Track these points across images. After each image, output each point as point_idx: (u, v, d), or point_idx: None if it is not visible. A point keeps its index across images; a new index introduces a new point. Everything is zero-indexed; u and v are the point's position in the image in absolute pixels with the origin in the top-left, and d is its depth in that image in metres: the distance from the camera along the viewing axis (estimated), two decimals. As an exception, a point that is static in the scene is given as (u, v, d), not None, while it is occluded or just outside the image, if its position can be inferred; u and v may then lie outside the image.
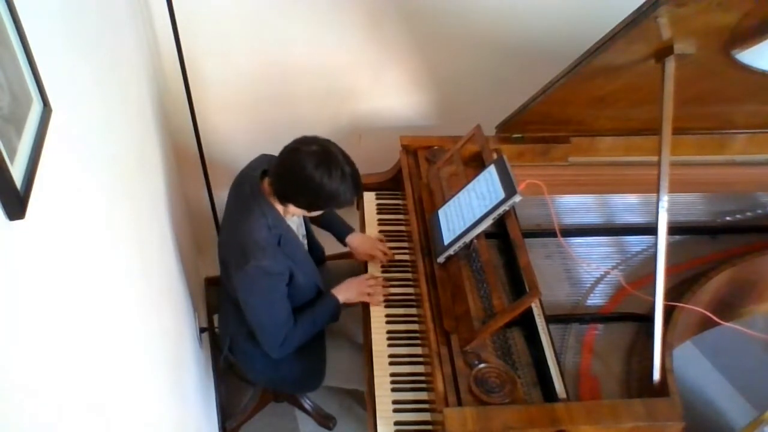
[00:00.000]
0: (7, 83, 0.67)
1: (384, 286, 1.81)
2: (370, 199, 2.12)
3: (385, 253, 1.91)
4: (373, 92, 2.29)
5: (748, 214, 1.91)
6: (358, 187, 1.62)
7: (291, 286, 1.69)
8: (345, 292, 1.81)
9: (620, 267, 1.74)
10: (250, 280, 1.60)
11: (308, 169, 1.52)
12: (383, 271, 1.89)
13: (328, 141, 1.60)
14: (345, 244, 2.01)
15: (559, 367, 1.42)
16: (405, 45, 2.16)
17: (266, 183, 1.65)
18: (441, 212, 1.74)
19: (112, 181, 1.14)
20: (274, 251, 1.61)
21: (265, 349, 1.73)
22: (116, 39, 1.46)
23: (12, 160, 0.63)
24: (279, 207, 1.66)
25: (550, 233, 1.73)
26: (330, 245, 2.10)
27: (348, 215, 2.20)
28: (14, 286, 0.62)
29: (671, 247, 1.46)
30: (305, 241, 1.88)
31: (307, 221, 1.91)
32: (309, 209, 1.64)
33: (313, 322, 1.77)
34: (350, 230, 2.01)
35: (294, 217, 1.75)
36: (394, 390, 1.58)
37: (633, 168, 1.98)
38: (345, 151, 1.61)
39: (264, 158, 1.76)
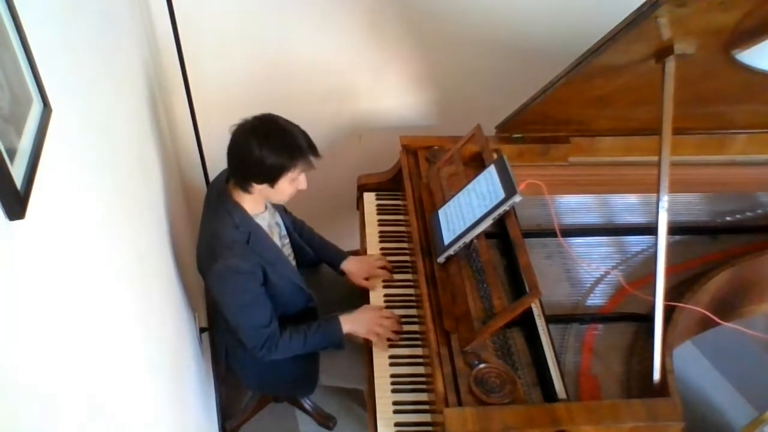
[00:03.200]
0: (7, 83, 0.67)
1: (397, 329, 1.69)
2: (370, 199, 2.12)
3: (385, 267, 1.84)
4: (373, 92, 2.29)
5: (748, 214, 1.91)
6: (309, 146, 1.54)
7: (268, 287, 1.64)
8: (354, 323, 1.70)
9: (620, 267, 1.74)
10: (219, 280, 1.57)
11: (244, 139, 1.51)
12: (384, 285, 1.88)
13: (272, 114, 1.56)
14: (341, 273, 1.93)
15: (559, 367, 1.42)
16: (405, 45, 2.17)
17: (230, 183, 1.63)
18: (441, 212, 1.74)
19: (112, 181, 1.14)
20: (243, 249, 1.57)
21: (250, 351, 1.67)
22: (116, 39, 1.46)
23: (12, 160, 0.63)
24: (247, 205, 1.62)
25: (550, 233, 1.73)
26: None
27: (348, 215, 2.20)
28: (14, 286, 0.62)
29: (671, 247, 1.47)
30: (285, 241, 1.82)
31: (289, 226, 1.85)
32: (273, 182, 1.54)
33: (305, 337, 1.68)
34: (344, 256, 1.94)
35: (265, 214, 1.70)
36: (394, 391, 1.58)
37: (633, 168, 1.98)
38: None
39: None
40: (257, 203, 1.66)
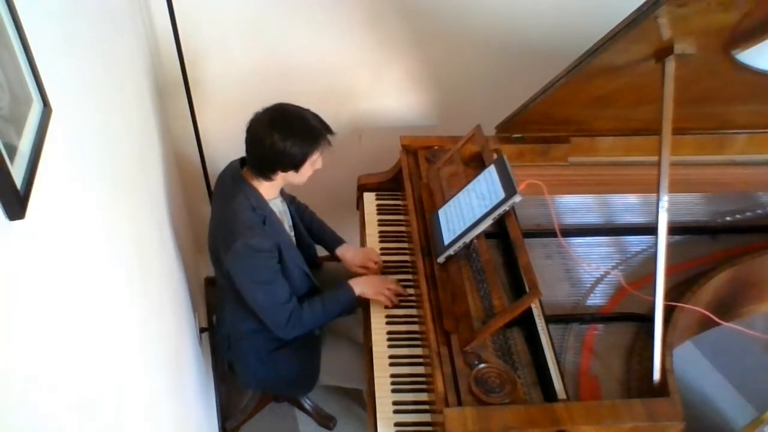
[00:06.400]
0: (7, 83, 0.67)
1: (401, 292, 1.78)
2: (370, 199, 2.12)
3: (376, 262, 1.89)
4: (373, 92, 2.29)
5: (748, 214, 1.91)
6: (324, 128, 1.63)
7: (281, 269, 1.68)
8: (363, 286, 1.78)
9: (620, 267, 1.74)
10: (239, 260, 1.61)
11: (266, 133, 1.57)
12: (383, 273, 1.89)
13: (283, 104, 1.64)
14: (335, 257, 2.00)
15: (559, 367, 1.42)
16: (405, 45, 2.16)
17: (246, 170, 1.69)
18: (441, 212, 1.74)
19: (112, 181, 1.14)
20: (261, 229, 1.63)
21: (274, 332, 1.73)
22: (116, 39, 1.46)
23: (12, 160, 0.63)
24: (263, 190, 1.68)
25: (550, 233, 1.73)
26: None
27: (348, 215, 2.20)
28: (14, 285, 0.62)
29: (671, 247, 1.46)
30: (292, 233, 1.86)
31: (295, 216, 1.90)
32: (297, 168, 1.63)
33: (323, 306, 1.75)
34: (341, 242, 2.01)
35: (277, 201, 1.76)
36: (394, 391, 1.58)
37: (633, 168, 1.98)
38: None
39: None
40: (273, 189, 1.71)
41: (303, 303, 1.74)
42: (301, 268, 1.77)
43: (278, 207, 1.76)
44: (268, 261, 1.64)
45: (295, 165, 1.62)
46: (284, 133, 1.57)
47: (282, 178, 1.66)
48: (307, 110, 1.64)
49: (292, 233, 1.87)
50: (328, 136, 1.64)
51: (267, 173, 1.64)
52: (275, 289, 1.68)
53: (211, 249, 1.77)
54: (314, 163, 1.65)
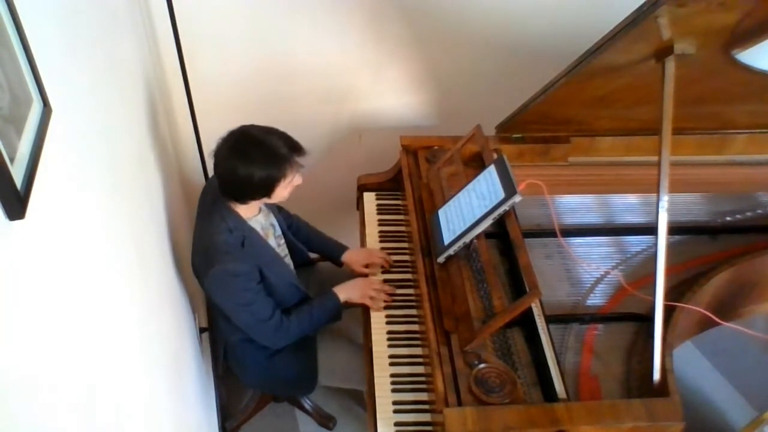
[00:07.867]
0: (7, 83, 0.67)
1: (389, 293, 1.78)
2: (370, 199, 2.12)
3: (383, 258, 1.88)
4: (373, 92, 2.29)
5: (748, 214, 1.91)
6: (292, 149, 1.54)
7: (264, 285, 1.66)
8: (348, 291, 1.78)
9: (620, 267, 1.74)
10: (217, 285, 1.60)
11: (228, 163, 1.52)
12: (383, 272, 1.89)
13: (248, 125, 1.57)
14: (341, 265, 1.98)
15: (559, 367, 1.42)
16: (405, 45, 2.16)
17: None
18: (441, 212, 1.74)
19: (112, 181, 1.14)
20: (238, 253, 1.59)
21: (261, 344, 1.73)
22: (116, 39, 1.46)
23: (12, 160, 0.64)
24: (242, 210, 1.64)
25: (550, 233, 1.73)
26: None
27: (348, 215, 2.20)
28: (14, 285, 0.62)
29: (671, 247, 1.46)
30: (281, 242, 1.85)
31: (282, 225, 1.87)
32: (269, 194, 1.57)
33: (310, 316, 1.75)
34: (344, 249, 1.98)
35: (259, 216, 1.73)
36: (394, 391, 1.58)
37: (633, 168, 1.98)
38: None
39: None
40: (252, 208, 1.68)
41: (290, 314, 1.73)
42: (290, 281, 1.74)
43: (260, 222, 1.73)
44: (247, 284, 1.60)
45: (264, 192, 1.57)
46: (246, 161, 1.50)
47: (258, 202, 1.64)
48: (274, 131, 1.56)
49: (282, 242, 1.85)
50: (298, 158, 1.55)
51: (240, 199, 1.60)
52: (257, 309, 1.65)
53: (193, 267, 1.74)
54: (288, 185, 1.58)
